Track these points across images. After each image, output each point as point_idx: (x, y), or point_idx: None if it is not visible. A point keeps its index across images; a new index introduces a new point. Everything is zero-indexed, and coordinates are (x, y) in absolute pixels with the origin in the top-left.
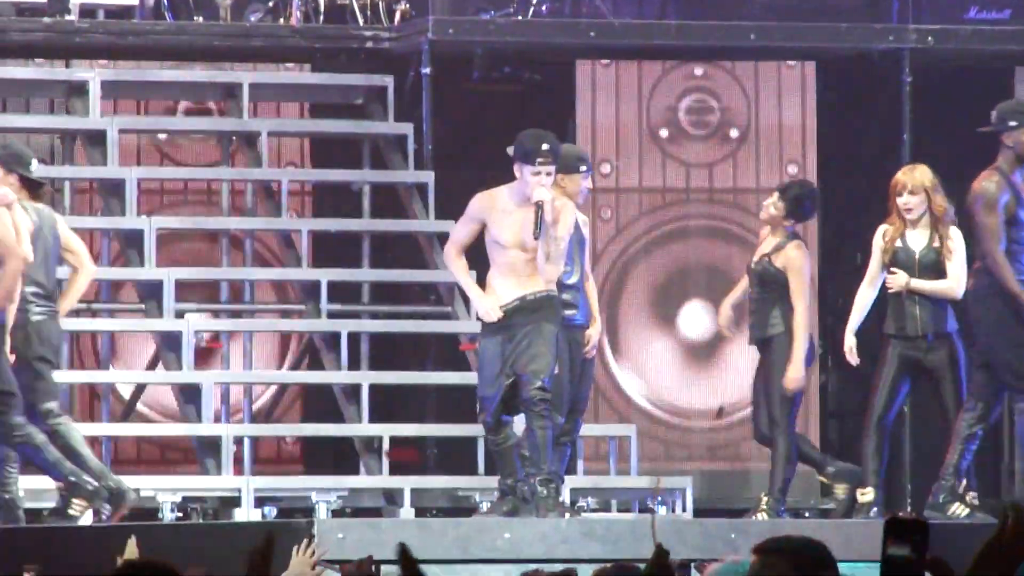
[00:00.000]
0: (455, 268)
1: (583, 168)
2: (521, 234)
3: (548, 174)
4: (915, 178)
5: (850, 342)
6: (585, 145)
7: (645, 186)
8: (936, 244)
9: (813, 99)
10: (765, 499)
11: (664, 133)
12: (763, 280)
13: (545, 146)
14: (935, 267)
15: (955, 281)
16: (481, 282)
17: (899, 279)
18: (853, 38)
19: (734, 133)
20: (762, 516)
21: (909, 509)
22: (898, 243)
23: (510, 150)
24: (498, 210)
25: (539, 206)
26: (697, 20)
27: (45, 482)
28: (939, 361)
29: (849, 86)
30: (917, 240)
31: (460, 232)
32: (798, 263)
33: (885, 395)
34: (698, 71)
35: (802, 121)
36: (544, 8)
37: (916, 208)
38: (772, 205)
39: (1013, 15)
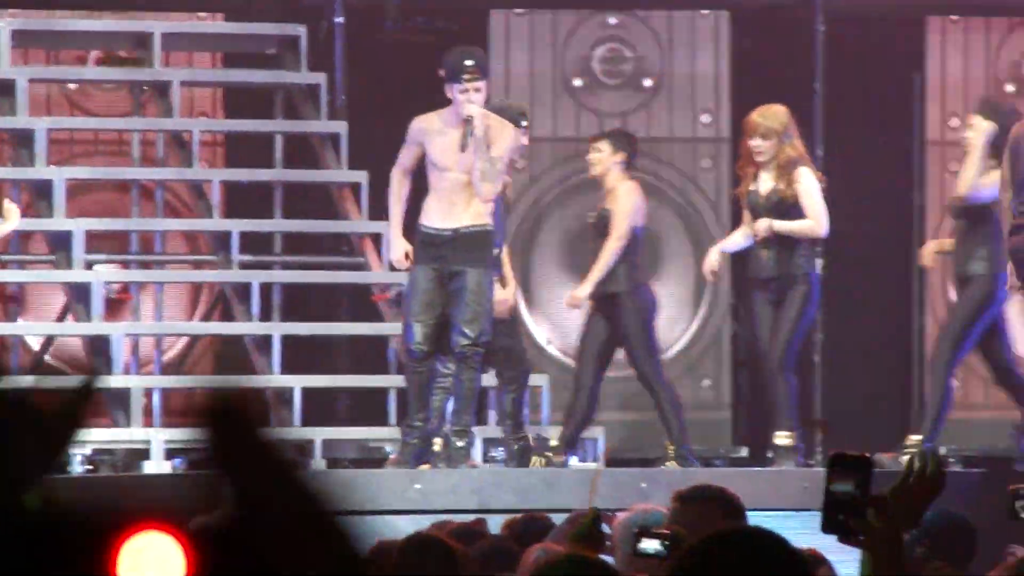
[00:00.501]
0: (391, 191)
1: (523, 123)
2: (456, 154)
3: (477, 90)
4: (766, 122)
5: (712, 259)
6: (500, 94)
7: (559, 136)
8: (782, 186)
9: (727, 48)
10: (672, 448)
11: (578, 83)
12: None
13: (469, 62)
14: (779, 209)
15: (815, 220)
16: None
17: (762, 225)
18: None
19: (648, 83)
20: (671, 464)
21: (819, 451)
22: (751, 186)
23: (441, 72)
24: (434, 131)
25: (467, 120)
26: None
27: None
28: (788, 299)
29: (762, 35)
30: (765, 183)
31: (402, 156)
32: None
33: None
34: (612, 20)
35: (715, 70)
36: None
37: (766, 152)
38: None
39: None
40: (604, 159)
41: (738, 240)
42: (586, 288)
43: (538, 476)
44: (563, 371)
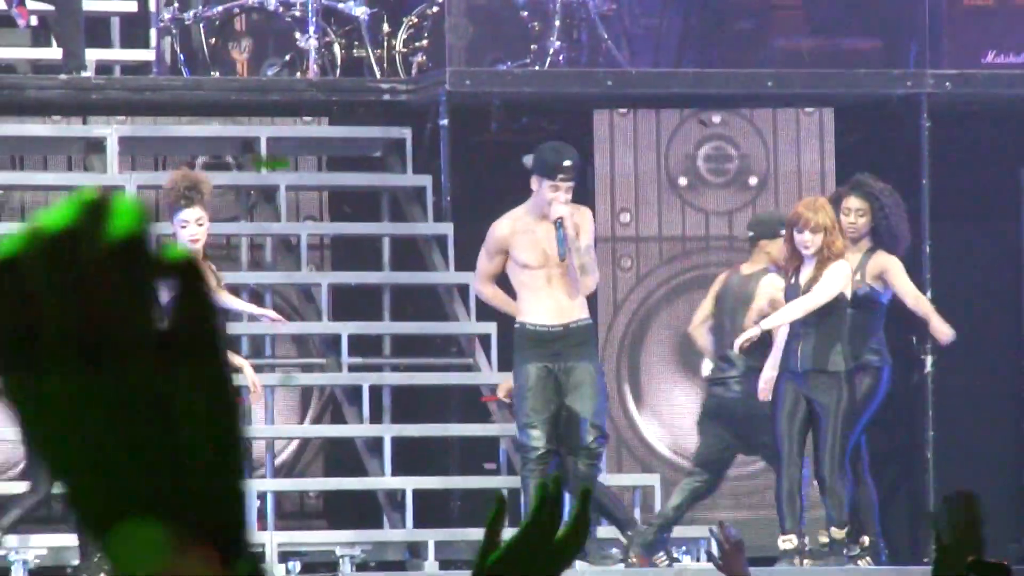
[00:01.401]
0: (487, 295)
1: (783, 232)
2: (548, 250)
3: (567, 190)
4: (817, 216)
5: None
6: (603, 194)
7: (665, 235)
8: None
9: (832, 145)
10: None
11: (683, 181)
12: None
13: (567, 162)
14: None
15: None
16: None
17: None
18: (871, 84)
19: (753, 180)
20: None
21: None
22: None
23: (527, 160)
24: (519, 232)
25: (558, 223)
26: (714, 68)
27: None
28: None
29: (867, 132)
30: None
31: (484, 265)
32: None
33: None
34: (716, 119)
35: (821, 167)
36: (561, 58)
37: (813, 246)
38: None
39: None
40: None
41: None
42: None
43: None
44: (674, 470)
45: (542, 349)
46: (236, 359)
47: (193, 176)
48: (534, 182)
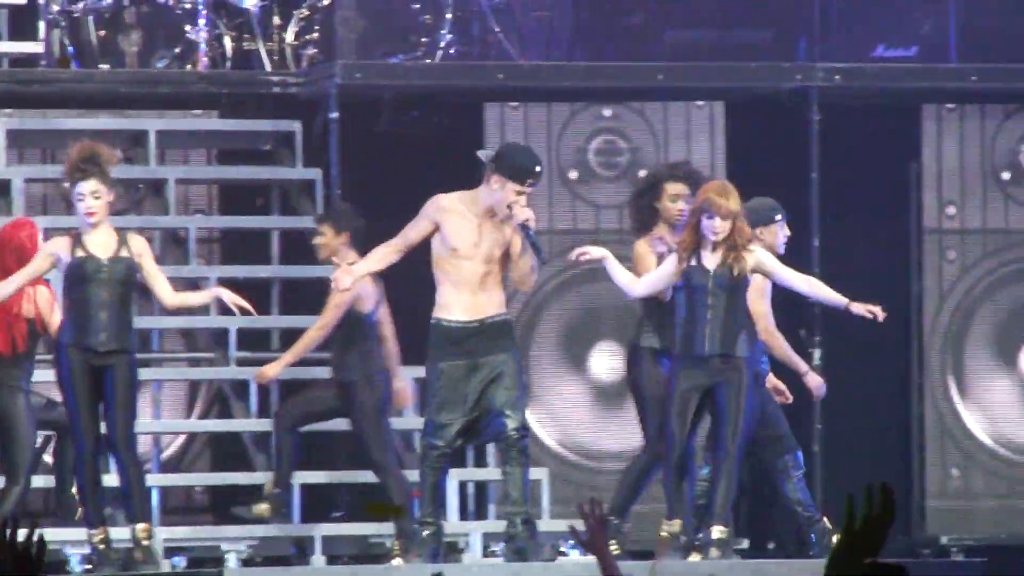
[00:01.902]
0: (373, 255)
1: (778, 217)
2: (481, 245)
3: (528, 195)
4: (730, 203)
5: None
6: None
7: (555, 228)
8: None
9: (722, 138)
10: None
11: (574, 175)
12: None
13: (539, 168)
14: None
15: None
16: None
17: None
18: (761, 77)
19: (643, 174)
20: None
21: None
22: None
23: (483, 154)
24: (456, 212)
25: (525, 227)
26: (605, 61)
27: None
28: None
29: (758, 125)
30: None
31: (407, 231)
32: None
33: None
34: (607, 112)
35: (711, 160)
36: (452, 51)
37: (723, 232)
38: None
39: (920, 52)
40: (328, 242)
41: None
42: (276, 368)
43: (538, 569)
44: (562, 464)
45: (457, 346)
46: (211, 292)
47: (91, 148)
48: (494, 180)
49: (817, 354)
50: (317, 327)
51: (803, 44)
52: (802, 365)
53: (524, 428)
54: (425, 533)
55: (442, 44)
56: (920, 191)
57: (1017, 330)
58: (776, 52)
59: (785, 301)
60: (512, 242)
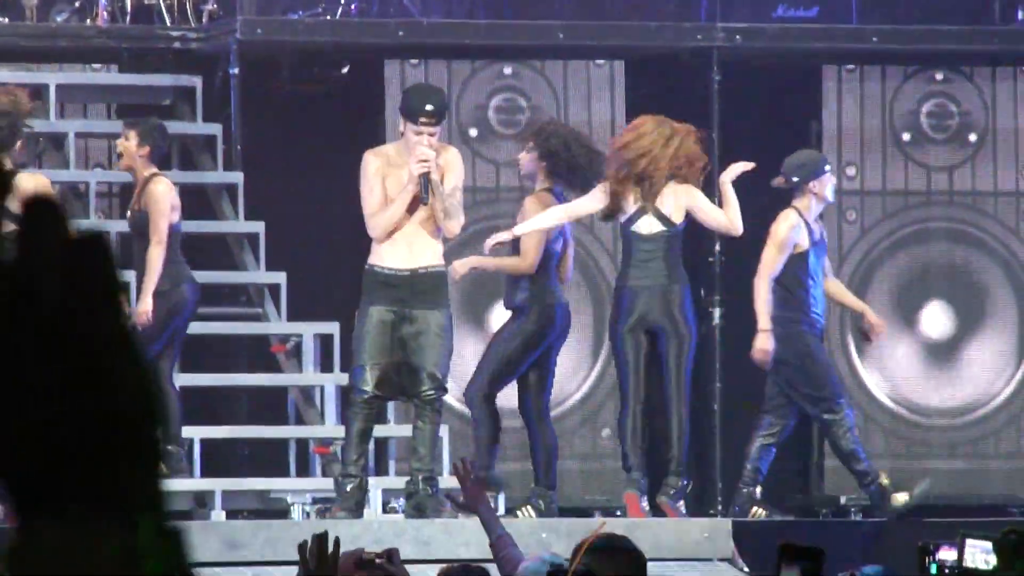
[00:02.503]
0: (388, 218)
1: (827, 168)
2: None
3: (431, 134)
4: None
5: None
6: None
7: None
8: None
9: (623, 97)
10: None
11: (473, 132)
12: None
13: (429, 107)
14: None
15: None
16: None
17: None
18: (662, 37)
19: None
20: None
21: (720, 508)
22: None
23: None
24: (391, 166)
25: (423, 177)
26: (506, 20)
27: None
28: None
29: (658, 84)
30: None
31: (374, 198)
32: None
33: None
34: (507, 70)
35: (611, 119)
36: (353, 8)
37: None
38: None
39: (821, 13)
40: (128, 148)
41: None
42: (145, 301)
43: (438, 526)
44: (462, 421)
45: (388, 292)
46: None
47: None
48: (401, 124)
49: (717, 313)
50: (155, 243)
51: (704, 4)
52: (761, 322)
53: (441, 387)
54: (349, 486)
55: (343, 0)
56: (820, 151)
57: (916, 292)
58: (677, 12)
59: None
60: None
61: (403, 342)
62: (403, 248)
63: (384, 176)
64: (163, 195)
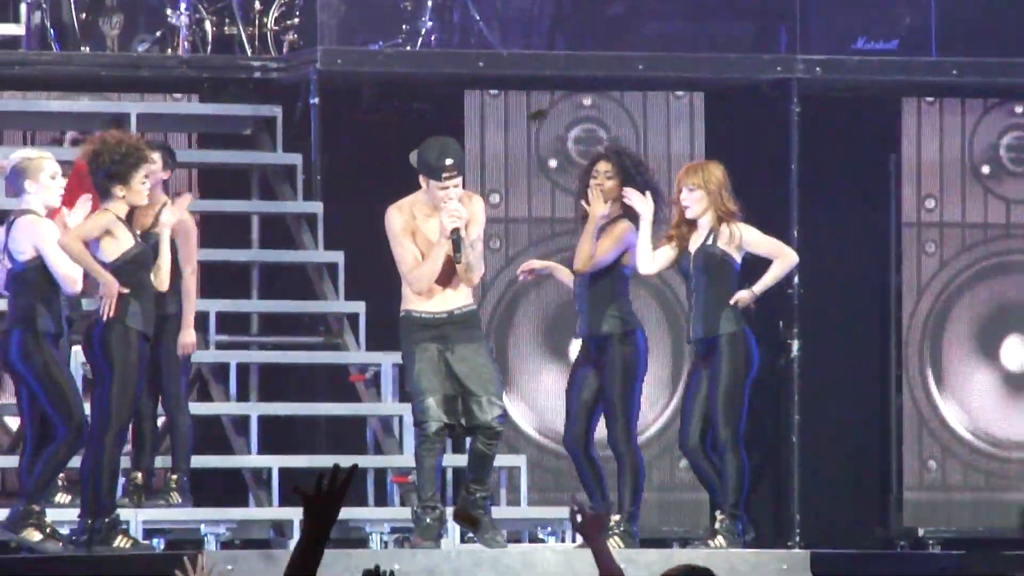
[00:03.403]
0: (429, 272)
1: None
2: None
3: (456, 186)
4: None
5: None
6: (473, 175)
7: (534, 216)
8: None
9: (702, 129)
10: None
11: (553, 163)
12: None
13: (449, 161)
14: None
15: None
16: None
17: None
18: (741, 69)
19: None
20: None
21: (798, 539)
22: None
23: (413, 158)
24: (416, 219)
25: (455, 233)
26: (585, 51)
27: None
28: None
29: (738, 116)
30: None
31: (408, 254)
32: None
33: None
34: (586, 101)
35: (691, 151)
36: (432, 39)
37: (694, 207)
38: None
39: (900, 46)
40: (156, 172)
41: None
42: (189, 332)
43: (517, 556)
44: (540, 451)
45: (428, 332)
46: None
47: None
48: (422, 180)
49: (795, 346)
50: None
51: (784, 36)
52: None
53: (505, 413)
54: (428, 520)
55: (423, 31)
56: (899, 184)
57: (995, 324)
58: (757, 44)
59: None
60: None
61: (454, 375)
62: (437, 294)
63: (413, 231)
64: (193, 225)
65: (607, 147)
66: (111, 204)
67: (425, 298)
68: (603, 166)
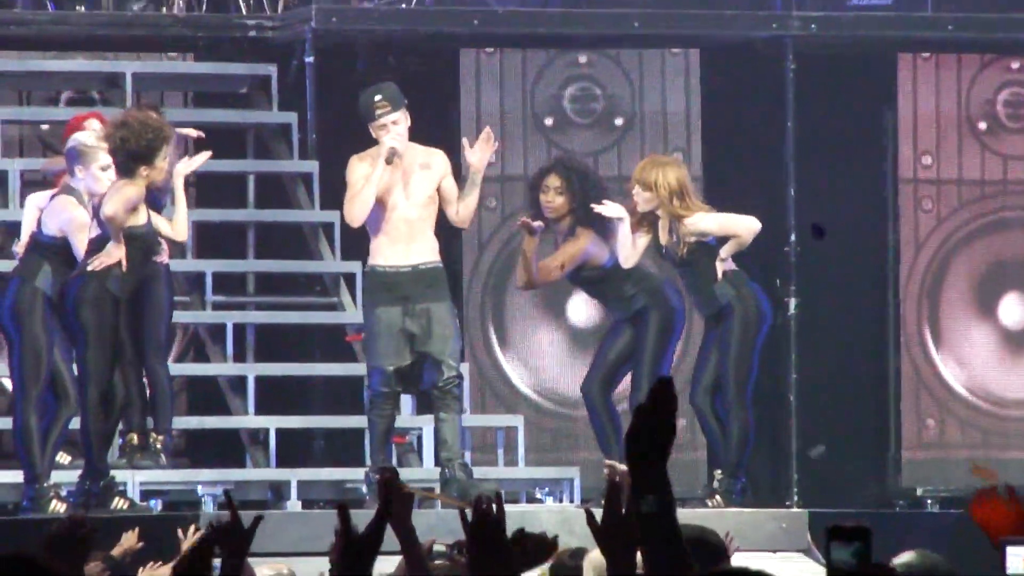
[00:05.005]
0: (367, 195)
1: None
2: (396, 191)
3: (394, 122)
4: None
5: None
6: (469, 133)
7: (531, 174)
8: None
9: (697, 86)
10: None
11: (549, 121)
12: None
13: (378, 97)
14: None
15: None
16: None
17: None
18: (737, 25)
19: (618, 121)
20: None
21: (796, 499)
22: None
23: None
24: (376, 169)
25: (391, 155)
26: (580, 8)
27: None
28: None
29: (733, 73)
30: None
31: (351, 190)
32: None
33: None
34: (582, 59)
35: (686, 108)
36: None
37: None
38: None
39: (896, 1)
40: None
41: None
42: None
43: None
44: (537, 412)
45: (392, 292)
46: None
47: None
48: (371, 131)
49: (792, 303)
50: None
51: None
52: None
53: (460, 375)
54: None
55: None
56: (896, 141)
57: (992, 281)
58: (752, 0)
59: (760, 251)
60: (442, 185)
61: (412, 337)
62: (402, 247)
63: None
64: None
65: (555, 158)
66: (135, 180)
67: (391, 250)
68: (553, 180)
